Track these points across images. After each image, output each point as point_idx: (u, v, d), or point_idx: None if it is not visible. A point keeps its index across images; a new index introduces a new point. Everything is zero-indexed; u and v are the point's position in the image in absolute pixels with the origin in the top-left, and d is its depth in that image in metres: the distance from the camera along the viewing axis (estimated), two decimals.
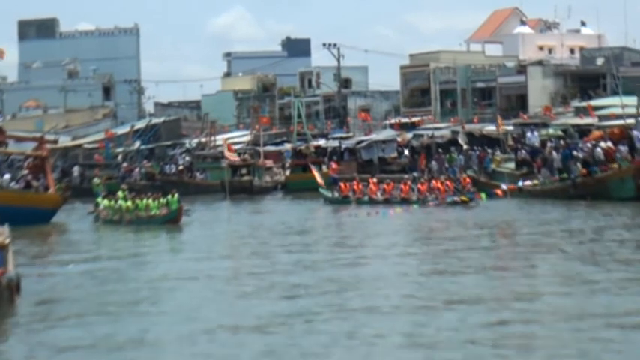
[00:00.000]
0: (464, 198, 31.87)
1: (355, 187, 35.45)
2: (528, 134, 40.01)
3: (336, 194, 36.09)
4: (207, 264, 19.72)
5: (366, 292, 15.12)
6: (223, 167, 45.07)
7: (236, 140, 56.09)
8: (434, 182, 33.86)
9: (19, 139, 39.80)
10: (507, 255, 19.88)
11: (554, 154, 35.44)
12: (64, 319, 13.62)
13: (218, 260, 20.82)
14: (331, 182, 37.92)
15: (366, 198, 34.46)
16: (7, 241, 15.88)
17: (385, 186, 34.65)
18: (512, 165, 38.49)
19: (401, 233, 24.94)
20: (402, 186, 33.99)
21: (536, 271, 17.29)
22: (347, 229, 26.42)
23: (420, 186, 33.58)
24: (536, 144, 38.50)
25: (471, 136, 46.75)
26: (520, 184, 30.16)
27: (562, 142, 37.45)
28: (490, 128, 46.97)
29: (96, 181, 42.03)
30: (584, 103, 46.46)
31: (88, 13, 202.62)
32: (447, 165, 41.97)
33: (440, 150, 45.14)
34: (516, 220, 26.97)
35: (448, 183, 33.69)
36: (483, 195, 28.38)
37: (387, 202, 33.06)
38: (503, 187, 29.14)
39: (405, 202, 31.99)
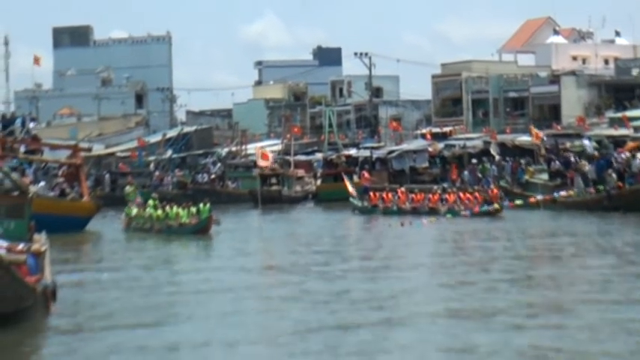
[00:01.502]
0: (497, 207, 31.76)
1: (385, 196, 35.51)
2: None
3: (366, 203, 36.16)
4: (236, 274, 19.73)
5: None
6: (255, 176, 45.15)
7: (267, 149, 56.17)
8: (462, 193, 33.79)
9: (53, 147, 40.31)
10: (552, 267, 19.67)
11: (588, 165, 35.12)
12: (98, 327, 13.66)
13: (245, 268, 20.84)
14: (363, 191, 37.92)
15: (394, 207, 34.50)
16: (43, 248, 15.99)
17: (414, 196, 34.69)
18: (545, 176, 38.17)
19: (438, 243, 24.86)
20: (431, 196, 33.98)
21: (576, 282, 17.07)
22: (384, 240, 26.29)
23: (448, 196, 33.55)
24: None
25: (503, 147, 46.45)
26: (556, 194, 29.83)
27: (596, 152, 37.06)
28: (523, 138, 46.62)
29: (128, 189, 42.28)
30: (619, 114, 45.97)
31: (121, 21, 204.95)
32: (480, 175, 41.73)
33: (473, 160, 44.86)
34: (555, 231, 26.74)
35: (477, 194, 33.58)
36: (518, 202, 28.20)
37: (415, 211, 33.07)
38: (539, 197, 28.85)
39: (432, 212, 32.00)
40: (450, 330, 12.75)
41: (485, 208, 31.46)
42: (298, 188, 49.21)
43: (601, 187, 32.46)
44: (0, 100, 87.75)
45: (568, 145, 41.21)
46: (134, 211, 31.22)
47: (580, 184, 34.14)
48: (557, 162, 38.09)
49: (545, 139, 43.39)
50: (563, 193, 31.64)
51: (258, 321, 14.11)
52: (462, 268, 19.28)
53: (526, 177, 39.05)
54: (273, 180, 46.72)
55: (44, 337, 13.39)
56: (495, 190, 34.37)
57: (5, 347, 12.44)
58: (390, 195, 35.65)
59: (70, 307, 15.11)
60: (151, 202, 31.22)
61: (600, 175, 33.66)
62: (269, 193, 44.10)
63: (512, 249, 22.71)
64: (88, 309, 15.23)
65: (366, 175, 42.70)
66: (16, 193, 17.88)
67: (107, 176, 50.73)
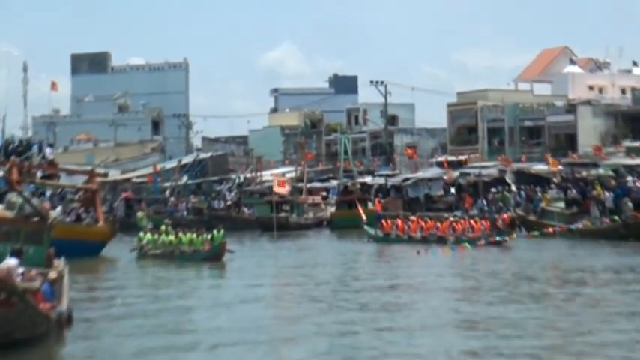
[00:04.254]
0: (512, 236, 31.69)
1: (398, 224, 35.51)
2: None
3: (379, 231, 36.12)
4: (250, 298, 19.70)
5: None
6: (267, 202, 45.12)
7: (285, 177, 56.21)
8: (472, 221, 33.76)
9: (70, 172, 40.52)
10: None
11: (605, 193, 35.00)
12: (112, 354, 13.65)
13: (257, 289, 20.78)
14: (375, 219, 37.87)
15: (405, 236, 34.47)
16: (61, 274, 15.99)
17: (424, 224, 34.67)
18: (561, 204, 38.04)
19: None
20: (440, 224, 34.01)
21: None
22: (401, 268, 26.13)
23: (456, 225, 33.50)
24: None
25: (518, 175, 46.35)
26: (572, 227, 29.81)
27: (613, 182, 36.95)
28: (539, 167, 46.51)
29: (140, 214, 42.29)
30: (635, 144, 45.83)
31: (139, 48, 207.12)
32: (501, 204, 41.68)
33: (493, 189, 44.80)
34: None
35: (484, 222, 33.56)
36: (535, 233, 28.27)
37: (425, 240, 33.02)
38: (556, 227, 28.87)
39: (441, 240, 31.97)
40: None
41: (500, 237, 31.37)
42: (310, 215, 49.02)
43: (616, 217, 32.44)
44: (18, 126, 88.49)
45: (584, 174, 41.12)
46: (147, 236, 31.23)
47: (596, 213, 34.05)
48: (574, 190, 37.96)
49: (561, 167, 43.30)
50: (579, 225, 31.49)
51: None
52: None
53: (542, 205, 38.93)
54: (286, 207, 46.46)
55: None
56: (506, 217, 34.39)
57: None
58: (402, 223, 35.67)
59: (84, 334, 15.08)
60: (163, 227, 31.25)
61: (617, 203, 33.60)
62: (276, 220, 43.06)
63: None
64: (103, 335, 15.20)
65: (378, 202, 42.62)
66: (36, 219, 17.97)
67: (123, 202, 50.85)
